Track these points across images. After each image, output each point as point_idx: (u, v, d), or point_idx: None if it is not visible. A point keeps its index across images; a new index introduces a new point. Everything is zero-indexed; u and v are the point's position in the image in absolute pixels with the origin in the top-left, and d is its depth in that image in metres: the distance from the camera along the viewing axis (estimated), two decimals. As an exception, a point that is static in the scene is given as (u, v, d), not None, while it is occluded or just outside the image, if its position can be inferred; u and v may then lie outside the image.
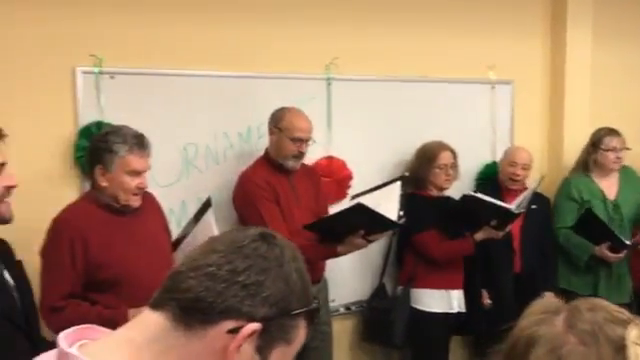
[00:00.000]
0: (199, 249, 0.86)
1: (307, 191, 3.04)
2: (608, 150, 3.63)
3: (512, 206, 3.19)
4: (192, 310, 0.80)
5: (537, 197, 3.46)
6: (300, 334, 0.86)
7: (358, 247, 2.85)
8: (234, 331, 0.80)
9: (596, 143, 3.67)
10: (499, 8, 3.85)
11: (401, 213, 2.87)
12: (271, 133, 2.93)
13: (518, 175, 3.56)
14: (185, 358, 0.81)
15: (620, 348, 0.64)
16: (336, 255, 2.88)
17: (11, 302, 1.66)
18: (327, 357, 3.12)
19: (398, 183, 3.00)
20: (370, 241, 2.85)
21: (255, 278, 0.81)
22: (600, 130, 3.70)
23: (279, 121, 2.90)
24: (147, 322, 0.83)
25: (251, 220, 2.75)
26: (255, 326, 0.80)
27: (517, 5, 3.92)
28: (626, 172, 3.75)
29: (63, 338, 0.84)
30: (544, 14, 4.04)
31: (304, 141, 2.90)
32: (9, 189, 1.66)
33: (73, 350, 0.81)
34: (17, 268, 1.76)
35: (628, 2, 4.28)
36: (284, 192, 2.91)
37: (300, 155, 2.92)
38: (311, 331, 0.90)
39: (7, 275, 1.69)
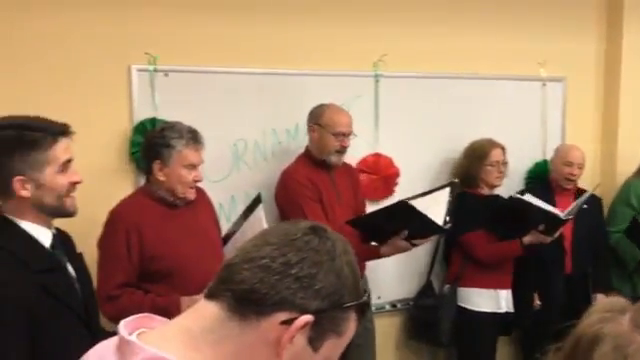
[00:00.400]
0: (252, 241, 0.88)
1: (347, 188, 3.05)
2: None
3: (560, 212, 3.12)
4: (246, 301, 0.82)
5: (589, 197, 3.39)
6: (351, 327, 0.88)
7: (401, 249, 2.82)
8: (287, 322, 0.82)
9: None
10: (551, 2, 3.78)
11: (447, 218, 2.85)
12: (312, 131, 2.94)
13: (575, 175, 3.49)
14: (239, 348, 0.83)
15: None
16: (379, 256, 2.86)
17: (73, 293, 1.73)
18: (370, 354, 3.12)
19: (447, 189, 2.96)
20: (414, 245, 2.82)
21: (308, 271, 0.83)
22: None
23: (319, 118, 2.91)
24: (203, 312, 0.85)
25: (293, 218, 2.77)
26: (308, 318, 0.82)
27: None
28: None
29: (123, 326, 0.87)
30: (599, 8, 3.94)
31: (346, 135, 2.91)
32: (74, 184, 1.73)
33: (133, 338, 0.85)
34: (78, 260, 1.83)
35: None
36: (326, 189, 2.92)
37: (343, 150, 2.93)
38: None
39: (70, 267, 1.76)
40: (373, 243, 2.88)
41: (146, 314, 0.93)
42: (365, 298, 0.89)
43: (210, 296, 0.86)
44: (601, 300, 0.75)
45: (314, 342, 0.85)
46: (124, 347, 0.85)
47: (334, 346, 0.87)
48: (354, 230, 2.76)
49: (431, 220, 2.72)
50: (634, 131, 3.93)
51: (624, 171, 3.83)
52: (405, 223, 2.75)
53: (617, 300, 0.73)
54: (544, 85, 3.81)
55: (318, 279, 0.83)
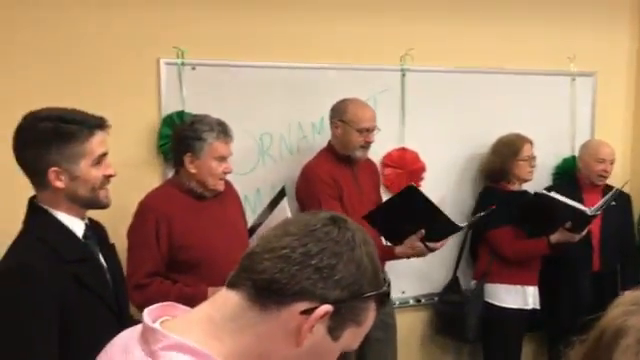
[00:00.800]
0: (273, 231, 0.90)
1: (368, 184, 3.05)
2: None
3: (586, 208, 3.08)
4: (267, 291, 0.84)
5: (617, 194, 3.33)
6: (370, 316, 0.89)
7: (417, 251, 2.81)
8: (307, 312, 0.83)
9: None
10: (583, -3, 3.72)
11: (465, 224, 2.92)
12: (335, 127, 2.92)
13: (608, 172, 3.45)
14: (259, 337, 0.84)
15: None
16: (394, 257, 2.85)
17: (104, 283, 1.75)
18: (391, 348, 3.12)
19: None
20: (429, 249, 2.81)
21: (328, 261, 0.84)
22: None
23: (343, 114, 2.89)
24: (224, 301, 0.87)
25: None
26: (328, 308, 0.83)
27: (602, -7, 3.78)
28: None
29: (147, 314, 0.89)
30: (632, 6, 3.87)
31: (370, 131, 2.90)
32: (108, 178, 1.74)
33: (156, 325, 0.87)
34: (110, 251, 1.86)
35: None
36: (347, 185, 2.91)
37: (367, 145, 2.92)
38: (374, 322, 0.93)
39: (101, 257, 1.78)
40: (388, 243, 2.88)
41: (170, 302, 0.95)
42: (385, 288, 0.90)
43: (231, 285, 0.88)
44: (627, 294, 0.74)
45: (334, 331, 0.86)
46: (148, 334, 0.86)
47: (354, 335, 0.88)
48: (371, 228, 2.74)
49: (441, 211, 2.73)
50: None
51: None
52: (421, 221, 2.75)
53: None
54: (574, 80, 3.75)
55: (338, 269, 0.84)
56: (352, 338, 0.88)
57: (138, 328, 0.91)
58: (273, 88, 3.09)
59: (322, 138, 3.13)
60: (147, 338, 0.86)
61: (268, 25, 3.04)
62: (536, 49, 3.62)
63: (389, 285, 0.91)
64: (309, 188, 2.88)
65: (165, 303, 0.94)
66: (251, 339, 0.85)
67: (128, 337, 0.92)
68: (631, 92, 3.92)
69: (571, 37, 3.70)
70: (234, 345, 0.85)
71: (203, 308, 0.90)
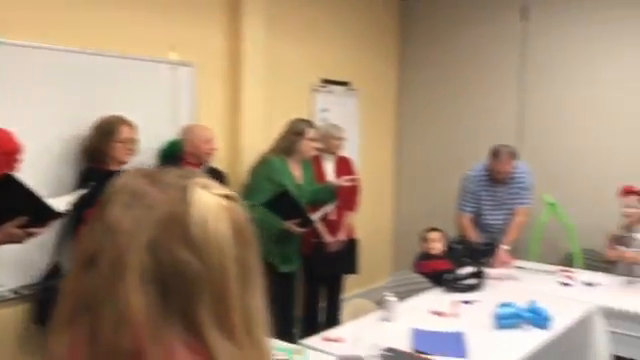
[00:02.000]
0: None
1: None
2: (309, 140, 4.03)
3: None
4: None
5: (213, 172, 3.67)
6: None
7: (14, 238, 2.59)
8: None
9: (300, 132, 4.01)
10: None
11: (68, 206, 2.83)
12: None
13: (214, 149, 3.80)
14: None
15: (184, 189, 0.77)
16: None
17: None
18: None
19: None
20: (30, 234, 2.63)
21: None
22: (301, 121, 4.07)
23: None
24: None
25: None
26: None
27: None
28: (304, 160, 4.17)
29: None
30: (224, 3, 4.27)
31: None
32: None
33: None
34: None
35: None
36: None
37: None
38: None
39: None
40: None
41: None
42: None
43: None
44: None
45: None
46: None
47: None
48: None
49: (46, 204, 2.59)
50: (254, 115, 4.42)
51: (247, 149, 4.30)
52: (21, 208, 2.57)
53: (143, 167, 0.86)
54: (175, 68, 3.99)
55: None
56: None
57: None
58: None
59: None
60: None
61: None
62: (138, 35, 3.74)
63: None
64: None
65: None
66: None
67: None
68: (226, 83, 4.35)
69: (172, 28, 3.93)
70: None
71: None
